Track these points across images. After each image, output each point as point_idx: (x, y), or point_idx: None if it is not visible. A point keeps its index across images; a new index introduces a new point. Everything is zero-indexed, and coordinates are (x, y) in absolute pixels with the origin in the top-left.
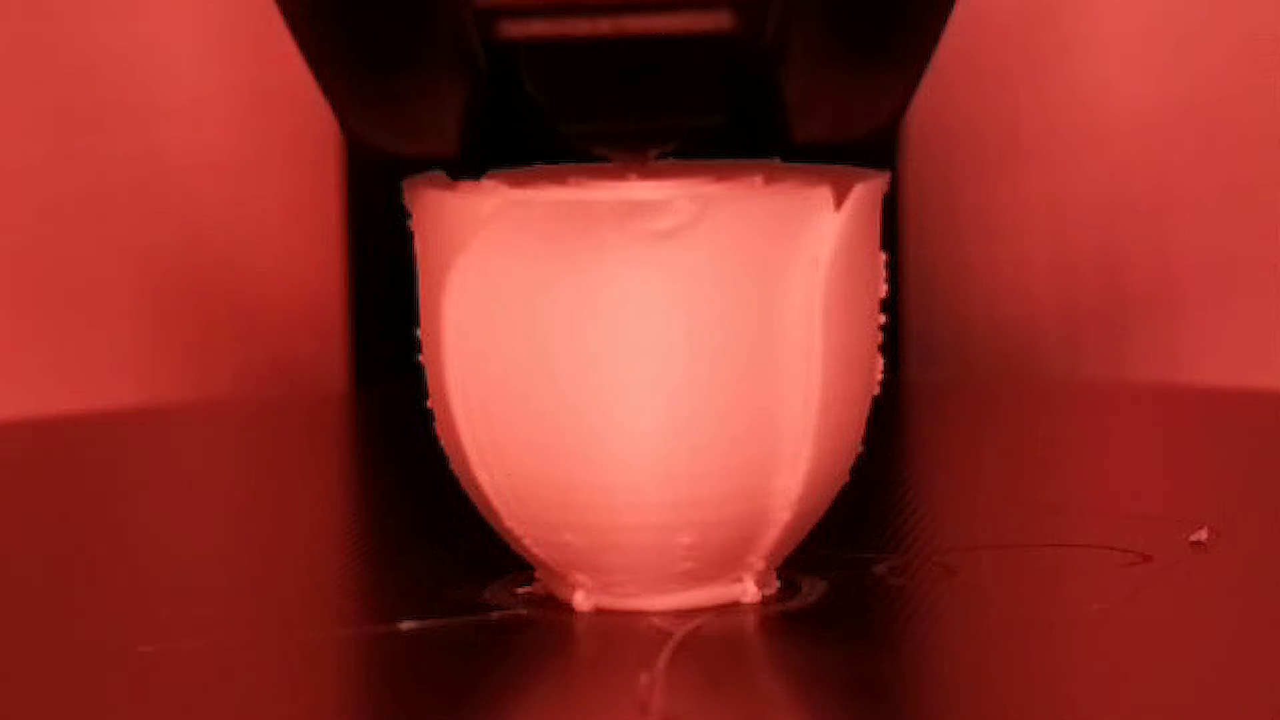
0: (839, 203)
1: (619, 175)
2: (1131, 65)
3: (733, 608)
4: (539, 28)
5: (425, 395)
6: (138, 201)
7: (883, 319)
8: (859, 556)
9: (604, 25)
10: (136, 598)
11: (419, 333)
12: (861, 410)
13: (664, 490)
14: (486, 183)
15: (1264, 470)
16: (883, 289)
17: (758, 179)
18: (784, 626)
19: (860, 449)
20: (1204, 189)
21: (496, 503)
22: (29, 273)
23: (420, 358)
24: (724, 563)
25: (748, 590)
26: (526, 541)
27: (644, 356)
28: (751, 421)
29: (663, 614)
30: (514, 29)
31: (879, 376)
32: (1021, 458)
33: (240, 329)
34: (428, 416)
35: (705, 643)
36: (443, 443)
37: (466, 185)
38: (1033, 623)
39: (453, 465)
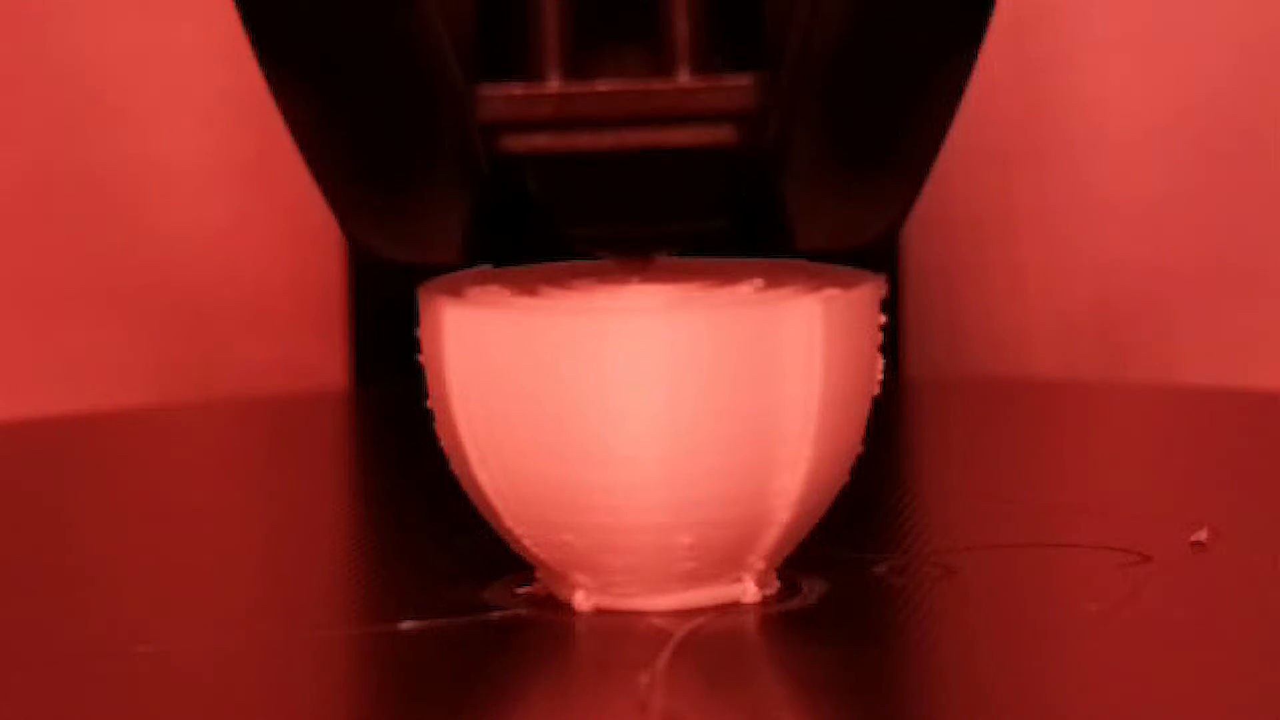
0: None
1: (620, 279)
2: (1126, 75)
3: (733, 608)
4: (542, 142)
5: (425, 395)
6: (138, 202)
7: (883, 319)
8: (859, 556)
9: (607, 139)
10: (136, 598)
11: (419, 333)
12: (861, 410)
13: (664, 490)
14: (489, 289)
15: (1263, 470)
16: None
17: (758, 281)
18: (784, 626)
19: (860, 449)
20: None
21: (496, 503)
22: (29, 273)
23: (420, 358)
24: (724, 563)
25: (748, 590)
26: (526, 541)
27: (644, 356)
28: (751, 422)
29: (663, 614)
30: (517, 143)
31: (879, 377)
32: (1021, 458)
33: (240, 329)
34: (428, 416)
35: (705, 643)
36: (443, 443)
37: (469, 280)
38: (1032, 623)
39: (453, 465)
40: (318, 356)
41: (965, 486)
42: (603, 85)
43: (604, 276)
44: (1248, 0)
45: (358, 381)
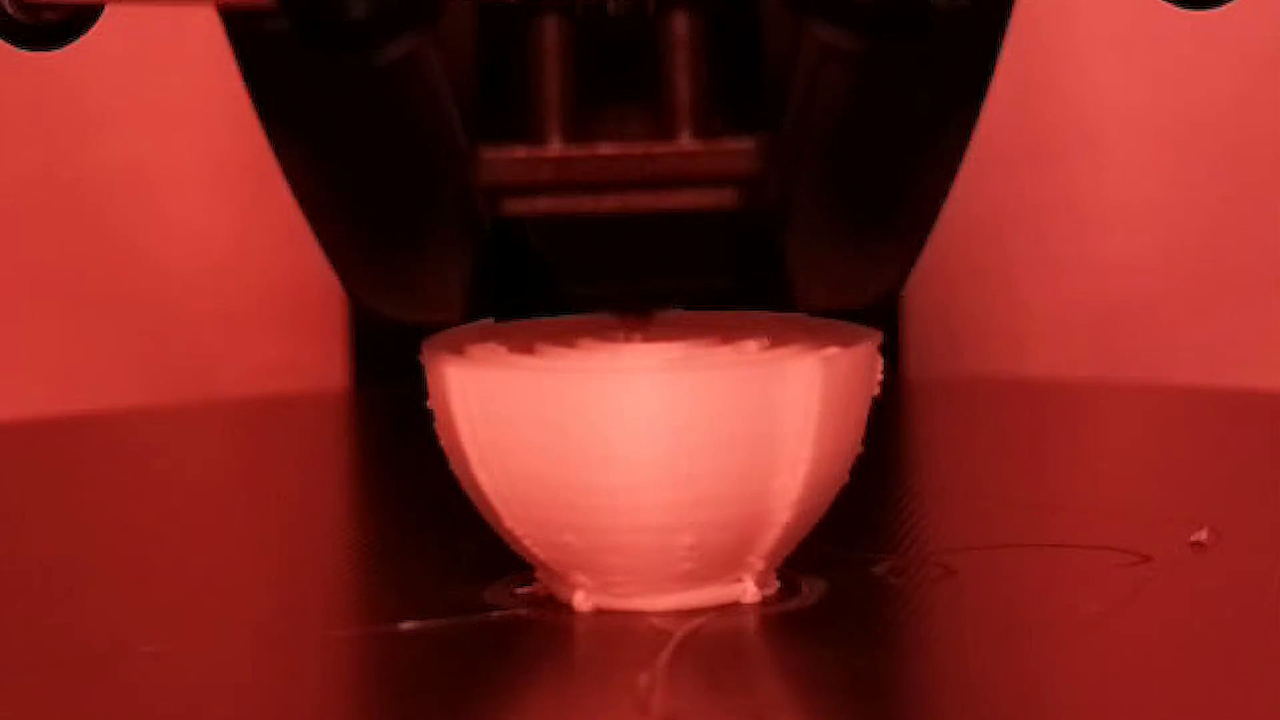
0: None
1: (622, 336)
2: (1123, 75)
3: (733, 608)
4: (544, 205)
5: (425, 395)
6: (139, 202)
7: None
8: (859, 556)
9: (609, 202)
10: (136, 598)
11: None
12: (861, 410)
13: (664, 491)
14: (490, 346)
15: (1264, 470)
16: None
17: (760, 338)
18: (784, 626)
19: (860, 449)
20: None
21: (496, 503)
22: (29, 273)
23: (420, 358)
24: (724, 563)
25: (748, 590)
26: (526, 542)
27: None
28: (752, 422)
29: (663, 614)
30: (519, 206)
31: (879, 377)
32: (1021, 458)
33: (240, 329)
34: (428, 416)
35: (705, 643)
36: (443, 443)
37: (471, 335)
38: (1032, 623)
39: (453, 465)
40: (318, 356)
41: (965, 486)
42: (604, 149)
43: (605, 333)
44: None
45: (358, 382)
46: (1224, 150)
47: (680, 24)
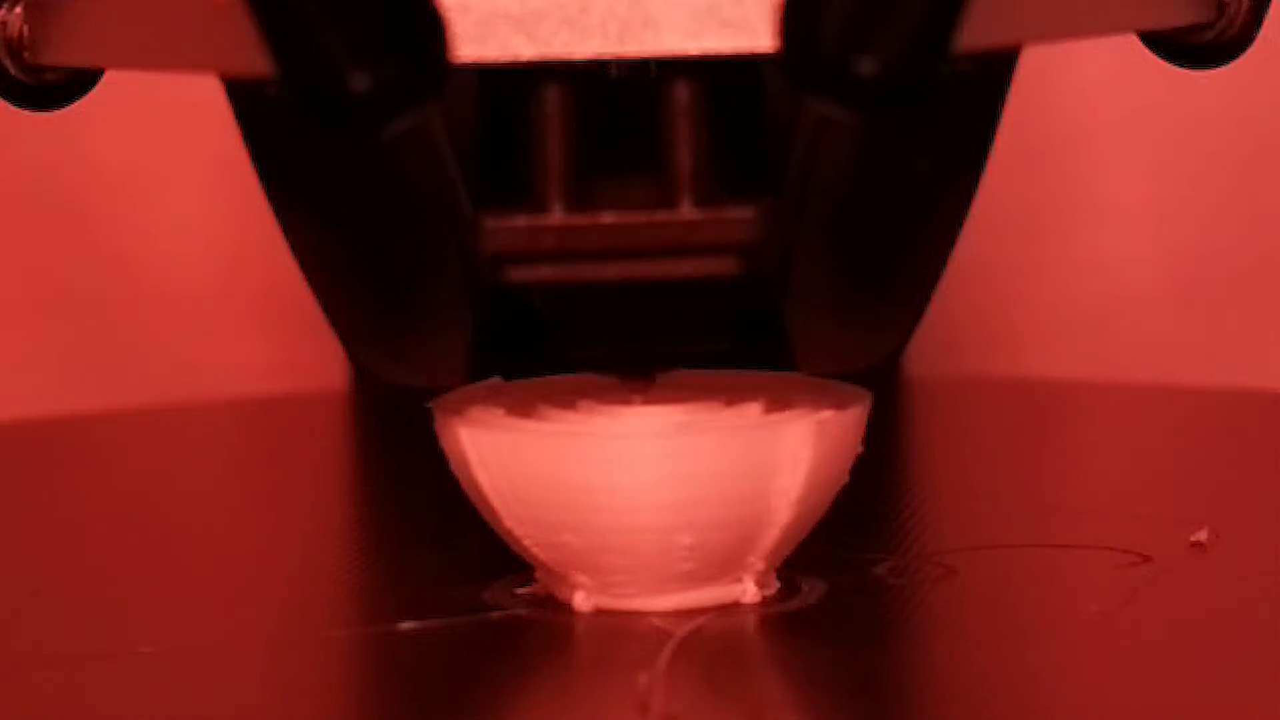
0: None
1: (623, 398)
2: (1122, 74)
3: (733, 608)
4: (546, 273)
5: (425, 396)
6: (139, 201)
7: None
8: (859, 556)
9: (611, 271)
10: (136, 598)
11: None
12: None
13: (664, 491)
14: (493, 409)
15: (1264, 470)
16: None
17: (761, 401)
18: (784, 626)
19: (860, 449)
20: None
21: (496, 503)
22: (29, 273)
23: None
24: (724, 563)
25: (748, 590)
26: (526, 542)
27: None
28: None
29: (663, 614)
30: (521, 274)
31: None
32: (1020, 458)
33: (240, 329)
34: (428, 416)
35: (705, 643)
36: (443, 443)
37: (477, 396)
38: (1033, 623)
39: (452, 465)
40: (318, 356)
41: (965, 486)
42: (606, 217)
43: (607, 395)
44: None
45: (358, 382)
46: (1224, 150)
47: (682, 92)
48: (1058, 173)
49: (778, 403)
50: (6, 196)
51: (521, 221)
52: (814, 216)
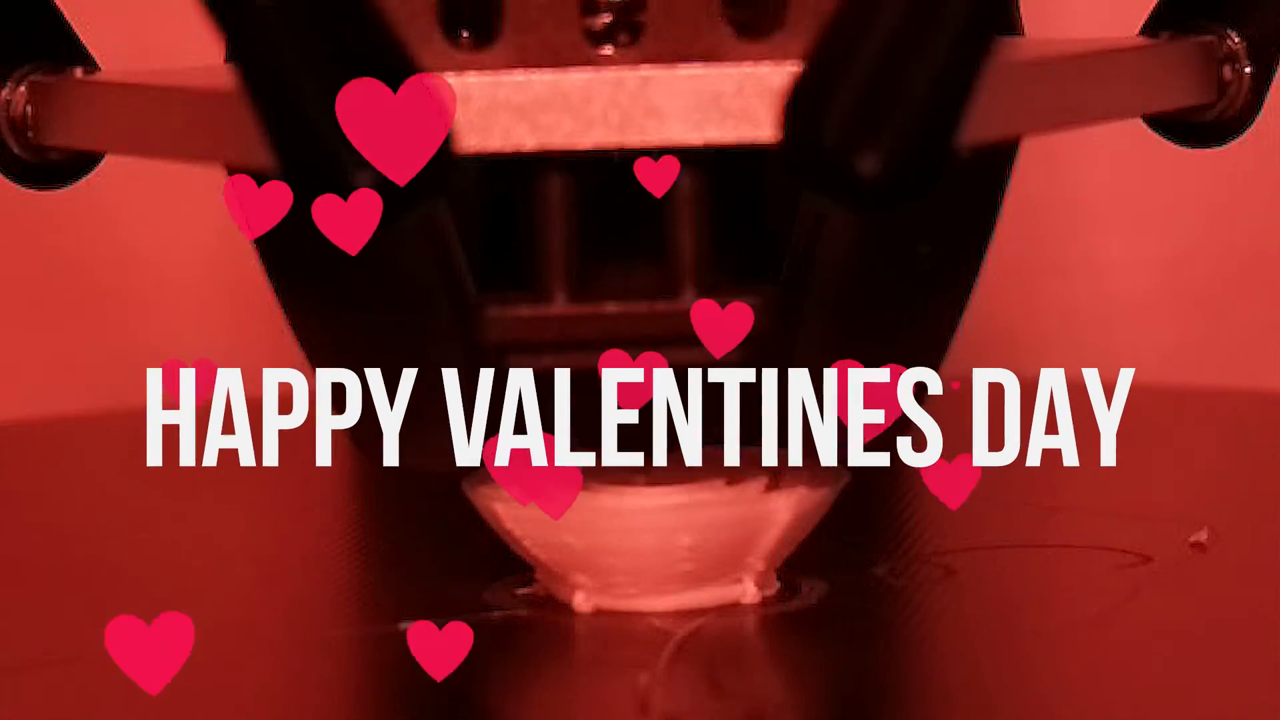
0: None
1: (625, 478)
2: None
3: (733, 608)
4: (549, 362)
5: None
6: (139, 201)
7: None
8: (859, 557)
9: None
10: (136, 597)
11: None
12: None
13: (664, 491)
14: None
15: (1264, 470)
16: None
17: (761, 480)
18: (784, 626)
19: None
20: (1200, 194)
21: (496, 503)
22: (28, 273)
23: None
24: (724, 564)
25: (748, 591)
26: (526, 542)
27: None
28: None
29: (663, 615)
30: (524, 362)
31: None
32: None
33: (240, 328)
34: None
35: (705, 643)
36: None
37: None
38: (1032, 623)
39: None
40: None
41: None
42: (609, 307)
43: (612, 475)
44: None
45: None
46: (1224, 150)
47: (683, 182)
48: (1058, 173)
49: (788, 485)
50: (4, 198)
51: (525, 311)
52: (817, 302)
